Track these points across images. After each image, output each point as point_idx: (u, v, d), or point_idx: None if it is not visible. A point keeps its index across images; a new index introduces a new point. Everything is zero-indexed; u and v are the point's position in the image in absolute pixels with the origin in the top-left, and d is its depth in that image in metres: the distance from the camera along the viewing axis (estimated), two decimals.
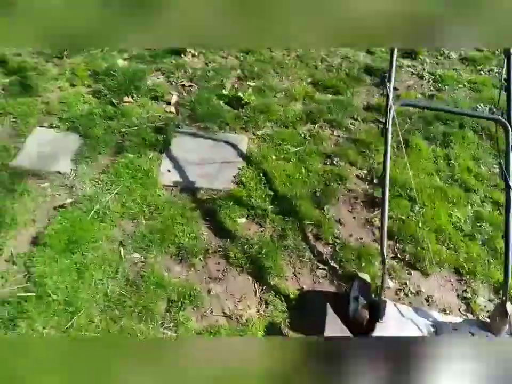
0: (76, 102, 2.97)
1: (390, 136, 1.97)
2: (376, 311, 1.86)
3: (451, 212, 2.57)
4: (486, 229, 2.49)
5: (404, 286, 2.26)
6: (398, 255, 2.37)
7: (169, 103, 3.12)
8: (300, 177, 2.66)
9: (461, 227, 2.51)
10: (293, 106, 3.22)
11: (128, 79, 3.13)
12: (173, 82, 3.29)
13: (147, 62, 3.43)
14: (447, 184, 2.77)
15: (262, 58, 3.62)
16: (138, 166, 2.56)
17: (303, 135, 2.97)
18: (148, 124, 2.84)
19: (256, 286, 2.13)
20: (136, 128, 2.81)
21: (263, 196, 2.52)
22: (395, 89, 2.20)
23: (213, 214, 2.41)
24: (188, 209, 2.40)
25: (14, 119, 2.80)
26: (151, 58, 3.46)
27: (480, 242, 2.43)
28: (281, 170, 2.67)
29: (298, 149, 2.85)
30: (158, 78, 3.32)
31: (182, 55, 3.52)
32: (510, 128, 1.90)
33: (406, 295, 2.23)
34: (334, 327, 1.80)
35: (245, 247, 2.26)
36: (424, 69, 3.75)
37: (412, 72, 3.72)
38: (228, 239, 2.29)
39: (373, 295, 1.96)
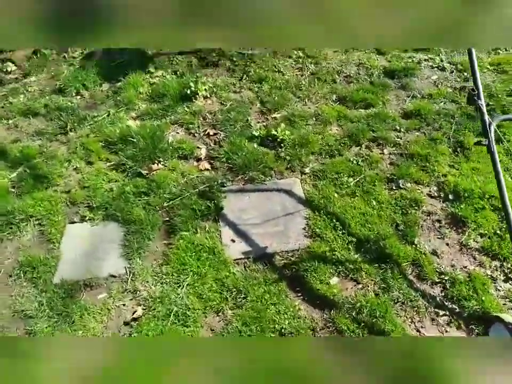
0: (100, 183, 2.61)
1: (497, 158, 1.75)
2: None
3: None
4: None
5: None
6: (510, 275, 2.14)
7: (200, 159, 2.81)
8: (374, 212, 2.41)
9: None
10: (330, 131, 2.96)
11: (149, 143, 2.80)
12: (196, 134, 2.98)
13: (159, 116, 3.10)
14: None
15: (277, 84, 3.34)
16: (200, 244, 2.24)
17: (354, 162, 2.72)
18: (190, 191, 2.52)
19: None
20: (179, 198, 2.48)
21: (346, 245, 2.25)
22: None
23: (301, 281, 2.12)
24: (271, 283, 2.10)
25: (38, 222, 2.42)
26: (162, 111, 3.13)
27: None
28: (352, 209, 2.41)
29: (357, 179, 2.59)
30: (177, 133, 3.00)
31: (194, 100, 3.21)
32: None
33: None
34: None
35: (353, 313, 1.98)
36: (442, 60, 3.56)
37: (432, 65, 3.52)
38: (330, 309, 2.01)
39: None
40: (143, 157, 2.74)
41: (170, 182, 2.60)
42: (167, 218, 2.42)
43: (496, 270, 2.16)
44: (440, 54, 3.62)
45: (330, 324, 1.95)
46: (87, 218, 2.42)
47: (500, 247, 2.22)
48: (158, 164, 2.72)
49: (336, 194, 2.51)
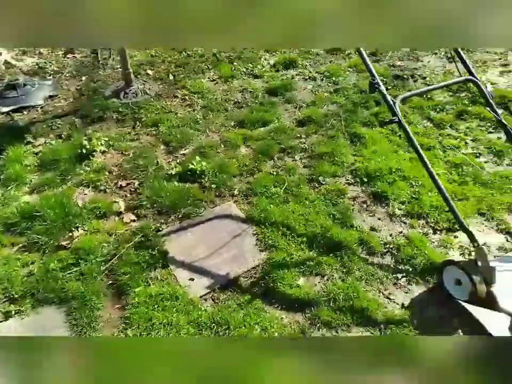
0: (13, 271, 2.22)
1: (409, 129, 2.02)
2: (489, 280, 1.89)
3: (438, 173, 2.75)
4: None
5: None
6: (436, 227, 2.45)
7: (120, 213, 2.61)
8: (310, 210, 2.54)
9: (452, 179, 2.77)
10: (241, 152, 3.07)
11: (59, 212, 2.50)
12: (107, 189, 2.78)
13: (59, 183, 2.81)
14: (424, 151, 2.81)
15: (174, 124, 3.34)
16: (159, 294, 2.06)
17: (275, 173, 2.85)
18: (125, 246, 2.32)
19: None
20: (116, 257, 2.26)
21: (299, 246, 2.32)
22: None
23: (273, 293, 2.11)
24: (246, 305, 2.04)
25: None
26: (60, 177, 2.85)
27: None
28: (291, 214, 2.51)
29: (284, 187, 2.72)
30: (85, 194, 2.75)
31: (91, 157, 3.00)
32: (479, 82, 2.20)
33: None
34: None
35: (331, 303, 2.04)
36: (310, 72, 4.02)
37: (304, 78, 3.94)
38: (310, 307, 2.03)
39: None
40: (57, 228, 2.44)
41: (98, 244, 2.35)
42: (111, 282, 2.17)
43: (424, 227, 2.46)
44: (307, 67, 4.09)
45: (316, 320, 1.96)
46: (13, 312, 2.02)
47: (420, 207, 2.54)
48: (77, 230, 2.45)
49: (271, 205, 2.58)
